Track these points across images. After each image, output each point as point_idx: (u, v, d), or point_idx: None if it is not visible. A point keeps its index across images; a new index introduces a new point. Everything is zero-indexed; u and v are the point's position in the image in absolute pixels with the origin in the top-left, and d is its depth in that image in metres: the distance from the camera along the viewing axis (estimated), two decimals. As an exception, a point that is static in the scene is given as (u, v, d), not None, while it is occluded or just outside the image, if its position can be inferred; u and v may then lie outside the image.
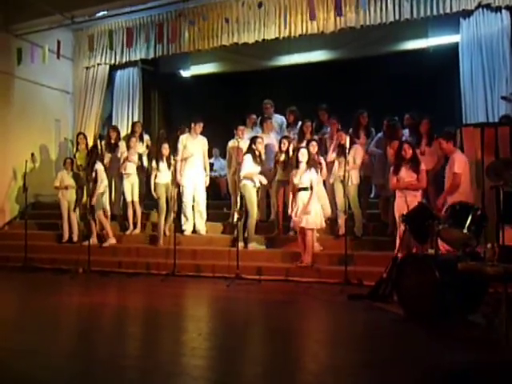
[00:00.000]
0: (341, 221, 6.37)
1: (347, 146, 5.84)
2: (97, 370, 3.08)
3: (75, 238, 7.82)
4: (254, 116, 7.84)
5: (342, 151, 6.24)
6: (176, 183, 7.04)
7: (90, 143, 8.51)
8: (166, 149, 7.28)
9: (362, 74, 8.50)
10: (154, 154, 7.60)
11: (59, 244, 7.88)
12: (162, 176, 7.26)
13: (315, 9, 7.13)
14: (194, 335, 3.94)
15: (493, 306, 3.77)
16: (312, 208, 5.84)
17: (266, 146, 7.10)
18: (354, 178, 6.34)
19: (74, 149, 8.71)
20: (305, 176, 5.92)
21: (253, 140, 6.71)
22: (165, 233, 7.33)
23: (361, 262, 5.94)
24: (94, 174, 7.33)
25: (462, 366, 3.10)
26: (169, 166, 7.26)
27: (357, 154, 6.35)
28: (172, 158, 7.27)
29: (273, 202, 6.99)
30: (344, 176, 5.92)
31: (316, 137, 6.98)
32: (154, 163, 7.34)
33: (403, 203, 5.29)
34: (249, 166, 6.58)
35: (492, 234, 4.21)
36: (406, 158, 5.55)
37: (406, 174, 5.53)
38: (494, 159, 4.72)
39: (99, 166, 7.41)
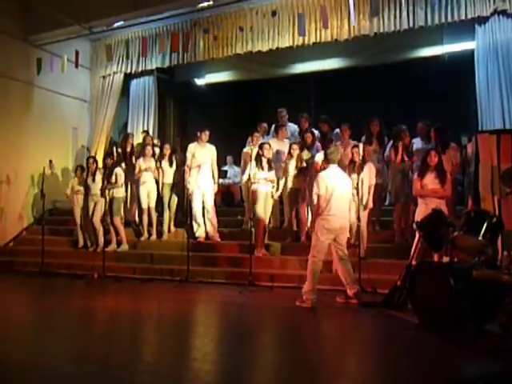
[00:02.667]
0: (349, 234, 6.23)
1: (358, 159, 5.86)
2: (110, 374, 3.10)
3: (90, 244, 7.93)
4: (265, 124, 7.89)
5: (353, 168, 6.10)
6: (186, 190, 7.10)
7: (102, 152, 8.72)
8: (167, 149, 7.77)
9: (376, 82, 8.48)
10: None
11: (75, 250, 7.99)
12: (166, 175, 7.71)
13: (328, 17, 7.16)
14: (207, 340, 3.95)
15: (509, 315, 3.70)
16: None
17: (280, 153, 7.12)
18: (369, 202, 6.11)
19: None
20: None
21: (260, 146, 6.75)
22: (169, 229, 7.75)
23: (375, 269, 5.89)
24: (114, 178, 7.47)
25: (478, 375, 3.05)
26: (170, 164, 7.69)
27: (371, 174, 6.15)
28: (174, 157, 7.75)
29: (286, 210, 6.98)
30: (358, 193, 5.81)
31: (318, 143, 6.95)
32: (157, 163, 7.81)
33: (426, 210, 5.21)
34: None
35: (508, 242, 4.15)
36: (430, 165, 5.51)
37: (430, 181, 5.48)
38: (511, 166, 4.66)
39: (119, 171, 7.56)
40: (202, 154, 7.37)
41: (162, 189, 7.72)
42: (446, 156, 6.06)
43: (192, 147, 7.41)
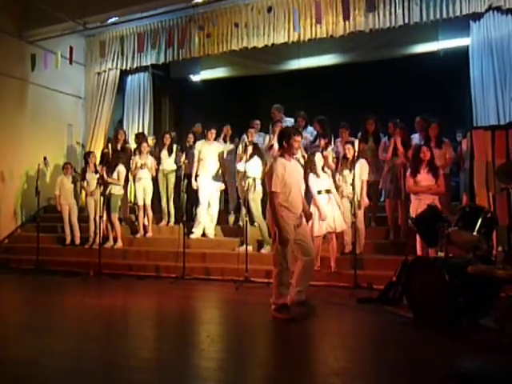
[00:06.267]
0: (347, 238, 6.13)
1: (350, 155, 5.87)
2: (107, 371, 3.10)
3: (77, 241, 7.95)
4: (258, 122, 7.92)
5: (346, 164, 6.09)
6: (182, 186, 7.15)
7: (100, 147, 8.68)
8: (167, 138, 7.96)
9: (371, 78, 8.48)
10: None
11: (66, 247, 7.96)
12: (165, 163, 7.87)
13: (322, 13, 7.15)
14: (203, 337, 3.96)
15: (504, 309, 3.73)
16: (328, 212, 5.71)
17: (275, 150, 7.11)
18: (363, 197, 6.06)
19: (84, 153, 8.84)
20: (324, 180, 5.82)
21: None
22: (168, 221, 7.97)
23: (370, 265, 5.92)
24: (116, 175, 7.52)
25: (473, 370, 3.07)
26: (169, 153, 7.89)
27: (363, 170, 6.11)
28: (174, 147, 7.95)
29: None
30: (353, 189, 5.80)
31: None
32: (156, 150, 8.10)
33: (419, 206, 5.21)
34: (242, 167, 6.71)
35: (503, 237, 4.17)
36: (424, 160, 5.52)
37: (423, 178, 5.49)
38: (505, 161, 4.69)
39: (122, 168, 7.62)
40: (208, 152, 7.42)
41: (162, 176, 7.90)
42: (443, 151, 6.10)
43: (199, 144, 7.50)
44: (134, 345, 3.76)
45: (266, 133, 7.70)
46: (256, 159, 6.70)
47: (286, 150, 4.38)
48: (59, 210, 8.07)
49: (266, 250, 6.61)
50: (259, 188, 6.66)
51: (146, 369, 3.16)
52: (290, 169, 4.32)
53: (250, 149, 6.66)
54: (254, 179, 6.66)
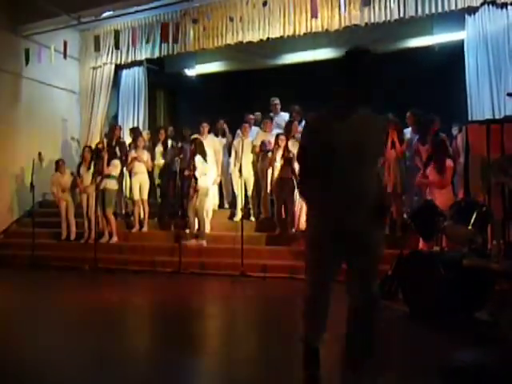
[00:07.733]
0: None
1: None
2: (103, 365, 3.11)
3: (73, 236, 7.94)
4: (252, 116, 7.92)
5: None
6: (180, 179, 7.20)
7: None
8: (162, 134, 8.07)
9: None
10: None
11: (62, 242, 7.93)
12: (160, 159, 7.98)
13: (318, 7, 7.13)
14: (200, 331, 3.97)
15: (498, 303, 3.75)
16: None
17: (265, 144, 7.16)
18: None
19: (81, 149, 8.81)
20: None
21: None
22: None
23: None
24: (111, 169, 7.48)
25: (469, 363, 3.09)
26: (164, 149, 7.99)
27: None
28: (169, 142, 8.02)
29: (274, 200, 6.99)
30: None
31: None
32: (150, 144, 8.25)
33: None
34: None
35: (498, 231, 4.20)
36: (428, 155, 5.57)
37: (430, 172, 5.54)
38: (500, 156, 4.70)
39: (117, 162, 7.61)
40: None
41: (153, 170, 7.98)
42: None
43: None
44: (130, 339, 3.77)
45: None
46: (198, 157, 6.83)
47: None
48: (59, 205, 8.03)
49: (197, 241, 6.88)
50: (203, 185, 6.83)
51: (142, 363, 3.17)
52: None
53: (192, 146, 6.88)
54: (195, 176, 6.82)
